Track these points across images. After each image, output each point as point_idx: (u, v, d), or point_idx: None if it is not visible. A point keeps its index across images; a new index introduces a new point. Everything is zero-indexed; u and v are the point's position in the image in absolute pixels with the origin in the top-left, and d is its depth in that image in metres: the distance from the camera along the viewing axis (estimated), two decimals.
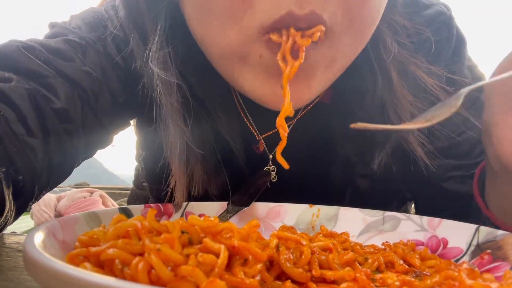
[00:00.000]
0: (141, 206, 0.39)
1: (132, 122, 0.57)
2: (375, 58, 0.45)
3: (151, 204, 0.40)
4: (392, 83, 0.45)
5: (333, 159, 0.50)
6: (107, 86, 0.46)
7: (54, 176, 0.43)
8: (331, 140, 0.50)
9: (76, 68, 0.44)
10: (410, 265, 0.31)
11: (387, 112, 0.46)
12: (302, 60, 0.33)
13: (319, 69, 0.36)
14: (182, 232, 0.24)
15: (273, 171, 0.50)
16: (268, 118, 0.51)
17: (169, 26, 0.41)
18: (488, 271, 0.29)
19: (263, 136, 0.52)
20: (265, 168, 0.51)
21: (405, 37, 0.45)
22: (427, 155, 0.46)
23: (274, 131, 0.52)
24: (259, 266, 0.22)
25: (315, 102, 0.51)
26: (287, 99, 0.33)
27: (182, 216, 0.41)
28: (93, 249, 0.22)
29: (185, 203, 0.42)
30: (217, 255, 0.22)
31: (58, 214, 1.25)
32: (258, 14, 0.33)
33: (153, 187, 0.56)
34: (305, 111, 0.51)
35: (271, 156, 0.51)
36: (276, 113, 0.50)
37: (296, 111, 0.51)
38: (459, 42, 0.51)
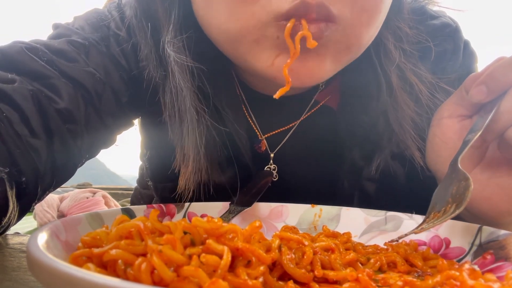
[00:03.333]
0: (144, 206, 0.39)
1: (136, 121, 0.57)
2: (379, 63, 0.45)
3: (154, 205, 0.40)
4: (392, 89, 0.45)
5: (340, 163, 0.50)
6: (110, 86, 0.47)
7: (58, 176, 0.43)
8: (337, 144, 0.50)
9: (79, 68, 0.44)
10: (412, 265, 0.31)
11: (388, 117, 0.47)
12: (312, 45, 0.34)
13: (330, 50, 0.37)
14: (185, 233, 0.24)
15: (274, 170, 0.51)
16: (271, 118, 0.52)
17: (183, 15, 0.42)
18: (490, 271, 0.29)
19: (266, 136, 0.52)
20: (266, 167, 0.51)
21: (406, 44, 0.46)
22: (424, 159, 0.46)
23: (276, 131, 0.52)
24: (262, 268, 0.22)
25: (319, 105, 0.51)
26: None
27: (184, 216, 0.41)
28: (96, 250, 0.22)
29: (187, 204, 0.42)
30: (221, 257, 0.22)
31: (61, 215, 1.25)
32: (274, 2, 0.34)
33: (158, 186, 0.57)
34: (309, 113, 0.51)
35: (272, 155, 0.51)
36: (279, 113, 0.51)
37: (300, 113, 0.51)
38: (468, 56, 0.51)
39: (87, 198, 1.26)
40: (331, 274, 0.26)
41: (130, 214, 0.37)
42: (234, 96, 0.49)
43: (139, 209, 0.38)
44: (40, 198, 0.42)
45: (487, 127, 0.35)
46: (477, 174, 0.39)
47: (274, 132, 0.52)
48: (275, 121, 0.52)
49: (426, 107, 0.46)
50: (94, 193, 1.30)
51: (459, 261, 0.32)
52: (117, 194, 1.59)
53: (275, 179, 0.51)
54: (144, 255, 0.22)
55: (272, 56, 0.37)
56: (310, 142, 0.52)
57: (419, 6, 0.50)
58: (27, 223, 1.36)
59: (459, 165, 0.34)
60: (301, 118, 0.51)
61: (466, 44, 0.52)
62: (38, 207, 1.21)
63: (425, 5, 0.51)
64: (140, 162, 0.68)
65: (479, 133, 0.35)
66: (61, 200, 1.29)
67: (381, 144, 0.48)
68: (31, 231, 1.32)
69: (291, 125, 0.52)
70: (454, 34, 0.50)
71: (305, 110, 0.51)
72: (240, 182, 0.48)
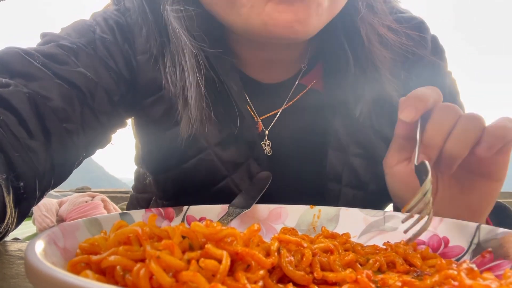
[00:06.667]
0: (142, 211, 0.39)
1: (129, 121, 0.58)
2: (347, 20, 0.50)
3: (152, 209, 0.40)
4: (362, 40, 0.50)
5: (326, 140, 0.54)
6: (102, 86, 0.48)
7: (56, 176, 0.44)
8: (323, 122, 0.55)
9: (71, 70, 0.46)
10: (411, 265, 0.31)
11: (363, 68, 0.51)
12: None
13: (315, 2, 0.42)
14: (183, 237, 0.24)
15: (268, 145, 0.55)
16: (265, 101, 0.57)
17: None
18: (489, 269, 0.29)
19: (261, 118, 0.56)
20: (261, 143, 0.55)
21: (373, 2, 0.51)
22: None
23: (270, 114, 0.56)
24: (262, 272, 0.22)
25: (307, 88, 0.56)
26: None
27: (183, 219, 0.41)
28: (95, 257, 0.22)
29: (186, 207, 0.42)
30: (220, 261, 0.22)
31: (60, 219, 1.25)
32: None
33: (160, 178, 0.58)
34: (298, 96, 0.56)
35: (267, 132, 0.55)
36: (272, 97, 0.56)
37: (291, 97, 0.56)
38: (437, 50, 0.57)
39: (86, 202, 1.25)
40: (330, 275, 0.26)
41: (128, 218, 0.37)
42: (237, 80, 0.53)
43: (138, 213, 0.38)
44: (39, 199, 0.42)
45: (427, 146, 0.39)
46: (439, 200, 0.44)
47: (268, 115, 0.56)
48: (268, 104, 0.56)
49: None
50: (93, 197, 1.29)
51: (458, 259, 0.32)
52: (116, 197, 1.59)
53: (269, 154, 0.55)
54: (142, 260, 0.22)
55: (262, 4, 0.42)
56: (300, 122, 0.56)
57: (389, 1, 0.57)
58: (26, 228, 1.36)
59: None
60: (292, 101, 0.56)
61: (434, 38, 0.58)
62: (37, 212, 1.20)
63: (393, 1, 0.57)
64: (135, 167, 0.68)
65: (417, 147, 0.40)
66: (60, 204, 1.28)
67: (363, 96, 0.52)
68: (30, 236, 1.32)
69: (283, 107, 0.56)
70: (420, 24, 0.57)
71: (294, 94, 0.56)
72: (241, 159, 0.53)
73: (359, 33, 0.50)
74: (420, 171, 0.37)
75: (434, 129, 0.39)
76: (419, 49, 0.55)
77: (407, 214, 0.34)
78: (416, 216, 0.33)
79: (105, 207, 1.30)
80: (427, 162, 0.36)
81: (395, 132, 0.46)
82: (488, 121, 0.39)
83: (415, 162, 0.39)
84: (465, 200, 0.43)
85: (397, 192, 0.48)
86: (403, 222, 0.33)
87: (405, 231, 0.34)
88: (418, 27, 0.56)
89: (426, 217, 0.32)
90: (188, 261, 0.22)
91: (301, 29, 0.43)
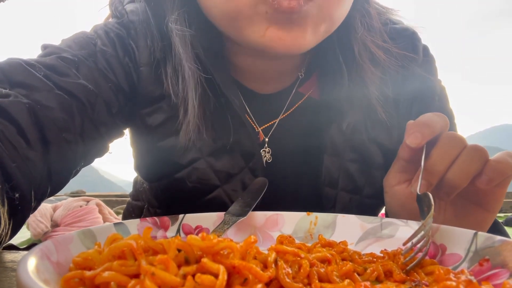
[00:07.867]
0: (137, 220, 0.38)
1: (127, 131, 0.58)
2: (343, 36, 0.52)
3: (147, 218, 0.39)
4: (355, 56, 0.52)
5: (323, 147, 0.55)
6: (102, 97, 0.49)
7: (53, 185, 0.44)
8: (320, 129, 0.55)
9: (71, 82, 0.46)
10: (408, 273, 0.31)
11: (353, 79, 0.52)
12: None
13: (309, 22, 0.43)
14: (179, 251, 0.24)
15: (268, 153, 0.56)
16: (264, 110, 0.57)
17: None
18: (487, 278, 0.29)
19: (261, 127, 0.57)
20: (261, 150, 0.55)
21: (368, 19, 0.52)
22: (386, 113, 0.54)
23: (269, 123, 0.57)
24: (259, 286, 0.22)
25: (305, 97, 0.57)
26: None
27: (178, 228, 0.41)
28: (88, 273, 0.22)
29: (181, 215, 0.41)
30: (216, 275, 0.21)
31: (55, 224, 1.24)
32: None
33: (152, 186, 0.59)
34: (296, 105, 0.57)
35: (267, 140, 0.56)
36: (270, 107, 0.56)
37: (288, 106, 0.57)
38: (428, 61, 0.59)
39: (81, 206, 1.24)
40: (328, 287, 0.26)
41: (123, 229, 0.36)
42: (237, 93, 0.54)
43: (133, 223, 0.38)
44: (34, 209, 0.42)
45: (429, 172, 0.40)
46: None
47: (268, 124, 0.57)
48: (267, 114, 0.57)
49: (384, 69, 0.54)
50: (88, 201, 1.29)
51: (455, 268, 0.32)
52: (111, 201, 1.58)
53: (269, 161, 0.56)
54: (137, 275, 0.22)
55: (263, 28, 0.43)
56: (298, 129, 0.57)
57: (383, 12, 0.58)
58: (20, 233, 1.34)
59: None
60: (290, 110, 0.57)
61: (425, 48, 0.59)
62: (31, 217, 1.19)
63: (386, 12, 0.58)
64: (131, 171, 0.68)
65: (421, 174, 0.40)
66: (54, 209, 1.27)
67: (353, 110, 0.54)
68: (24, 241, 1.31)
69: (281, 116, 0.57)
70: (412, 35, 0.59)
71: (292, 102, 0.57)
72: (235, 169, 0.54)
73: (352, 49, 0.51)
74: (422, 202, 0.37)
75: (439, 157, 0.40)
76: (410, 60, 0.56)
77: (407, 246, 0.34)
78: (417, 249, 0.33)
79: (100, 211, 1.29)
80: (431, 195, 0.36)
81: (398, 154, 0.46)
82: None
83: (418, 190, 0.39)
84: (457, 225, 0.44)
85: (393, 211, 0.48)
86: (402, 254, 0.33)
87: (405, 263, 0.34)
88: (410, 38, 0.58)
89: (426, 247, 0.32)
90: (184, 276, 0.22)
91: (297, 50, 0.45)
